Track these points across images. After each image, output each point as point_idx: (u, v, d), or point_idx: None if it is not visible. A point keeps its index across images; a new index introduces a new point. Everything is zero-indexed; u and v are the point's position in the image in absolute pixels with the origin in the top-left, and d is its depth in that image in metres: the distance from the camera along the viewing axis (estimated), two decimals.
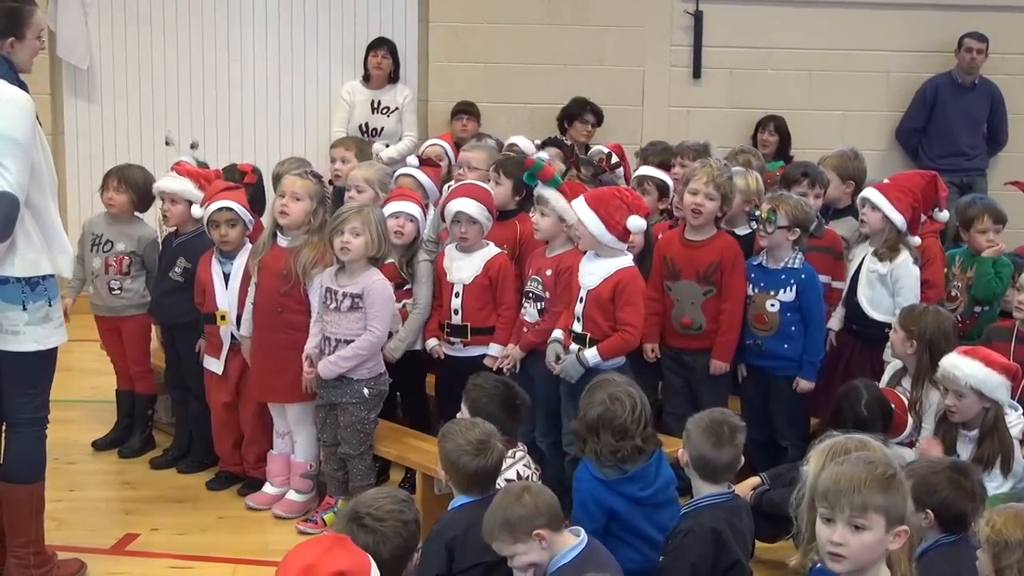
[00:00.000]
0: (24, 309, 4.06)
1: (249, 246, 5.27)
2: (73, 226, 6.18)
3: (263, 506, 5.18)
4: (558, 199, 4.94)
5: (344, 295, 4.82)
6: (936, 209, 5.54)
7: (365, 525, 3.20)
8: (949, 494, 3.48)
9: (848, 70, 8.69)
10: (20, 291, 4.05)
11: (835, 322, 5.37)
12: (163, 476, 5.57)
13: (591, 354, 4.66)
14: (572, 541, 3.49)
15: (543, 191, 4.98)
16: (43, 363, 4.18)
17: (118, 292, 5.71)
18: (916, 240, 5.27)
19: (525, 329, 5.06)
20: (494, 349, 5.11)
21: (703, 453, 3.73)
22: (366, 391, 4.86)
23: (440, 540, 3.68)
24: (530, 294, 5.06)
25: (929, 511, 3.46)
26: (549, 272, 4.99)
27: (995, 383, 4.24)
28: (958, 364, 4.27)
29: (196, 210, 5.40)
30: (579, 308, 4.75)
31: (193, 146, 6.45)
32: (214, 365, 5.33)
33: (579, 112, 8.21)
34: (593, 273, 4.73)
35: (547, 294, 5.00)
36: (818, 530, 2.80)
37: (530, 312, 5.05)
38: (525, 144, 5.89)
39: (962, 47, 8.50)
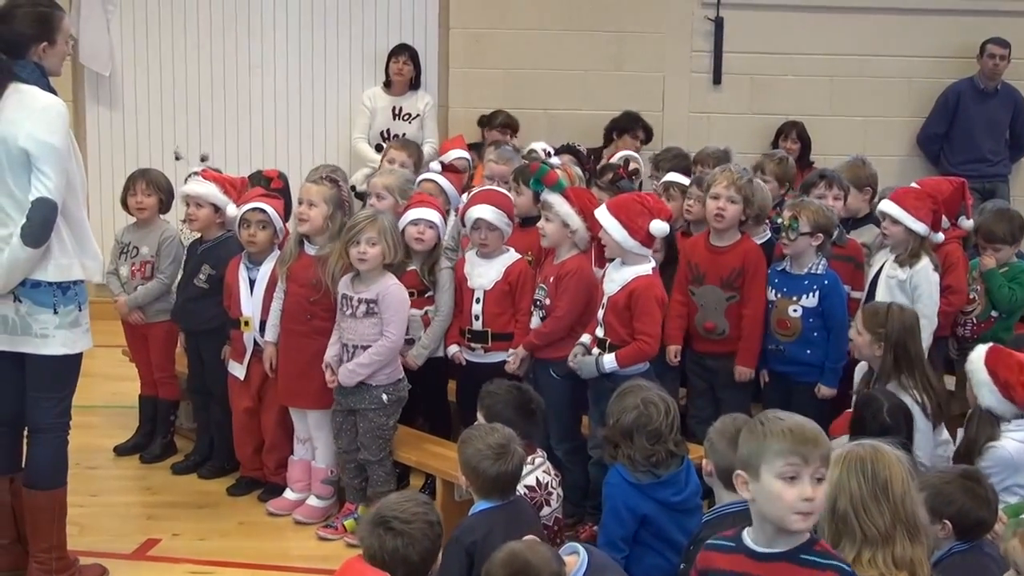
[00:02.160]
0: (55, 313, 4.10)
1: (277, 252, 5.28)
2: (95, 232, 6.15)
3: (283, 512, 5.19)
4: (562, 204, 4.93)
5: (359, 301, 4.82)
6: (962, 217, 5.51)
7: (393, 528, 3.19)
8: (965, 502, 3.45)
9: (869, 76, 8.65)
10: (51, 295, 4.09)
11: (853, 332, 5.32)
12: (184, 481, 5.59)
13: (608, 360, 4.67)
14: (575, 565, 3.35)
15: (548, 196, 4.97)
16: (69, 367, 4.21)
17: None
18: (939, 237, 5.22)
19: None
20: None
21: (730, 463, 3.70)
22: (385, 397, 4.86)
23: (460, 545, 3.66)
24: (537, 302, 5.05)
25: (947, 521, 3.44)
26: (552, 279, 4.99)
27: (980, 379, 4.22)
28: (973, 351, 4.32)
29: (231, 209, 5.42)
30: (600, 314, 4.77)
31: (203, 159, 6.47)
32: (237, 370, 5.35)
33: (631, 126, 8.14)
34: (614, 280, 4.74)
35: (548, 301, 4.99)
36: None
37: (535, 321, 5.05)
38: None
39: (984, 53, 8.45)
